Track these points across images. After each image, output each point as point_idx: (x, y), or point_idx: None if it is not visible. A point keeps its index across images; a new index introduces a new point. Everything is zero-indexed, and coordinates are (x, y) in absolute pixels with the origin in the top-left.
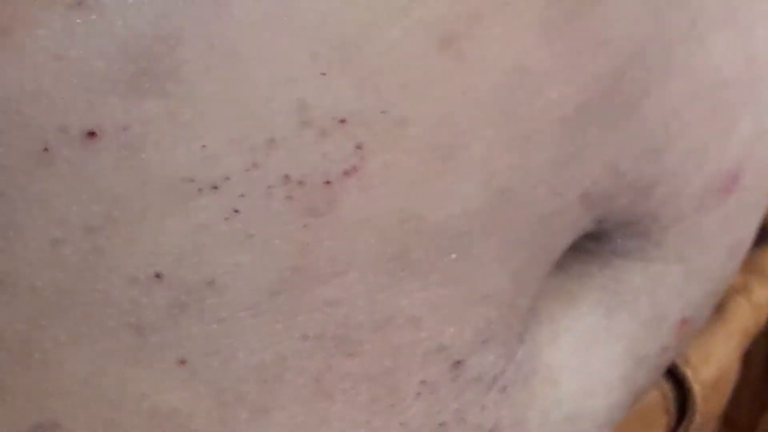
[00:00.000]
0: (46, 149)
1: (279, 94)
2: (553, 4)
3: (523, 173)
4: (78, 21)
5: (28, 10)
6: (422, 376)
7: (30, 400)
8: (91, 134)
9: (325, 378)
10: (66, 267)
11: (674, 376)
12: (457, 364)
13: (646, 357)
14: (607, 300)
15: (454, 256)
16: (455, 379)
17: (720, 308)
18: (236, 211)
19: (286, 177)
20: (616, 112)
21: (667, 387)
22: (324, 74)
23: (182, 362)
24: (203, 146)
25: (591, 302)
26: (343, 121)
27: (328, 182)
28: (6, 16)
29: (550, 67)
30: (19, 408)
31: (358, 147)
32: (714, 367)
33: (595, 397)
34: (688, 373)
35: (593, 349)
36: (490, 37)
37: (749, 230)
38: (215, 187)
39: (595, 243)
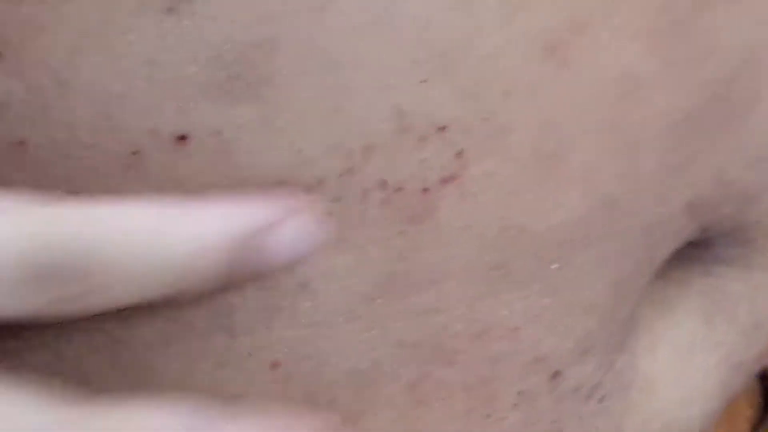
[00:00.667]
0: (136, 153)
1: (377, 100)
2: (662, 12)
3: (628, 182)
4: (170, 26)
5: (120, 15)
6: (520, 387)
7: None
8: (182, 138)
9: (421, 386)
10: None
11: None
12: (556, 374)
13: (743, 364)
14: (707, 307)
15: (555, 266)
16: (553, 390)
17: None
18: (330, 213)
19: (383, 183)
20: (725, 120)
21: (753, 380)
22: (424, 81)
23: (274, 365)
24: (298, 151)
25: (690, 310)
26: (442, 128)
27: (426, 189)
28: (98, 20)
29: (658, 75)
30: None
31: (458, 154)
32: None
33: (691, 405)
34: None
35: (691, 358)
36: (596, 44)
37: None
38: (312, 190)
39: (697, 250)
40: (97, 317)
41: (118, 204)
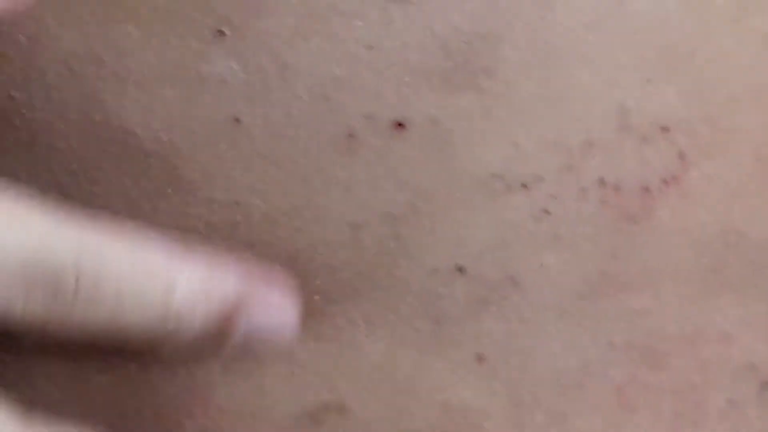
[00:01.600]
0: (352, 136)
1: (600, 97)
2: None
3: None
4: (396, 13)
5: (345, 0)
6: (729, 394)
7: (319, 378)
8: (399, 125)
9: (628, 388)
10: (364, 251)
11: None
12: (767, 384)
13: None
14: None
15: None
16: (764, 400)
17: None
18: (546, 211)
19: (602, 181)
20: None
21: None
22: (649, 80)
23: (480, 358)
24: (516, 144)
25: None
26: (665, 128)
27: (646, 189)
28: (322, 5)
29: None
30: (307, 385)
31: (680, 156)
32: None
33: None
34: None
35: None
36: None
37: None
38: (525, 186)
39: None
40: (303, 293)
41: (127, 235)
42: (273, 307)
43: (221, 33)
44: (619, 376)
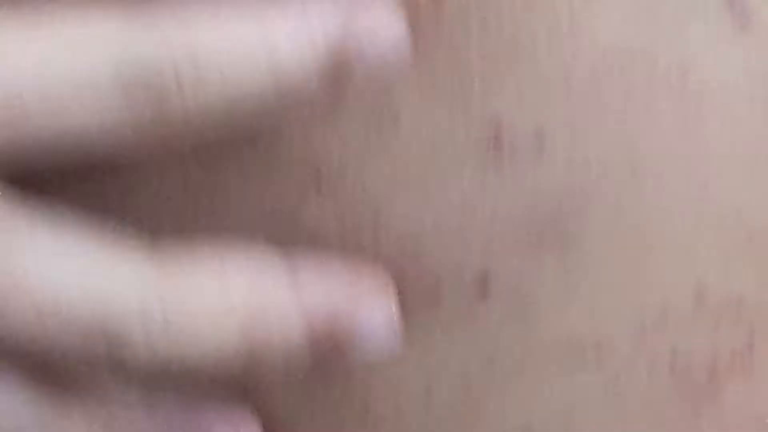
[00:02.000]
0: (437, 287)
1: (678, 272)
2: None
3: None
4: (490, 173)
5: (443, 158)
6: None
7: None
8: (484, 280)
9: None
10: (434, 410)
11: None
12: None
13: None
14: None
15: None
16: None
17: None
18: (616, 383)
19: (673, 354)
20: None
21: None
22: (727, 261)
23: None
24: (592, 311)
25: None
26: (738, 306)
27: (714, 366)
28: (420, 158)
29: None
30: None
31: (749, 334)
32: None
33: None
34: None
35: None
36: None
37: None
38: (599, 355)
39: None
40: None
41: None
42: (379, 26)
43: (318, 185)
44: None
